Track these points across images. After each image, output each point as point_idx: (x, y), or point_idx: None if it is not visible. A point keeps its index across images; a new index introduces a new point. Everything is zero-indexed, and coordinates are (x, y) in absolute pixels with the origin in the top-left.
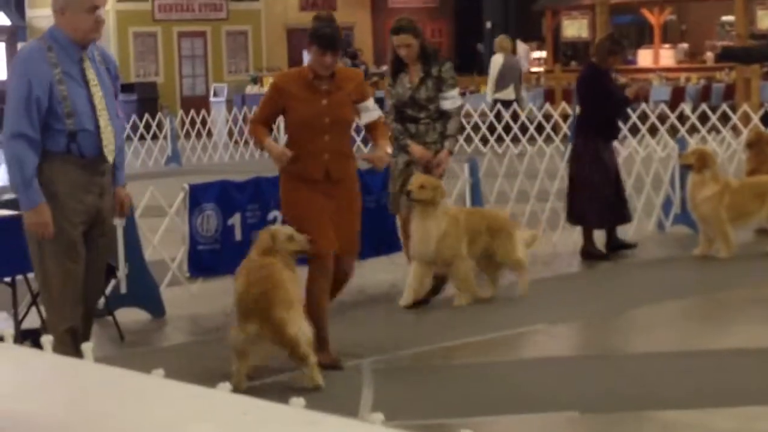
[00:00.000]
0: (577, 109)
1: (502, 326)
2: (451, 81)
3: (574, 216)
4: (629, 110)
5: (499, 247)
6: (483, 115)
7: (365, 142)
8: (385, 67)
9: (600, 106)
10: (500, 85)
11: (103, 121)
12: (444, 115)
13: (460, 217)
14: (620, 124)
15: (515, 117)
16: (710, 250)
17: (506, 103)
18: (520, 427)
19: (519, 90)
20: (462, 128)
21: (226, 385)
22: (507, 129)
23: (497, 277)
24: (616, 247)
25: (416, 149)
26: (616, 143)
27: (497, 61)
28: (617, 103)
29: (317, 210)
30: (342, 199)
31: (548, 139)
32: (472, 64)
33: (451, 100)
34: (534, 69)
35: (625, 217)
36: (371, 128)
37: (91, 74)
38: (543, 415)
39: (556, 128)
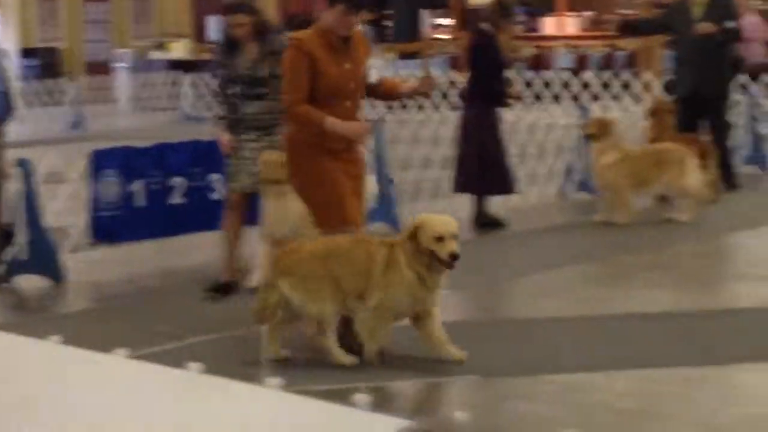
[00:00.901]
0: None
1: None
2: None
3: (463, 183)
4: (533, 77)
5: None
6: None
7: None
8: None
9: (488, 73)
10: None
11: (7, 83)
12: None
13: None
14: (524, 91)
15: None
16: (610, 217)
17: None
18: (421, 390)
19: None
20: None
21: (122, 351)
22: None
23: None
24: (486, 221)
25: (223, 138)
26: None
27: None
28: (500, 73)
29: (342, 183)
30: (359, 169)
31: (453, 107)
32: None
33: None
34: (440, 36)
35: (509, 187)
36: (383, 82)
37: None
38: (444, 379)
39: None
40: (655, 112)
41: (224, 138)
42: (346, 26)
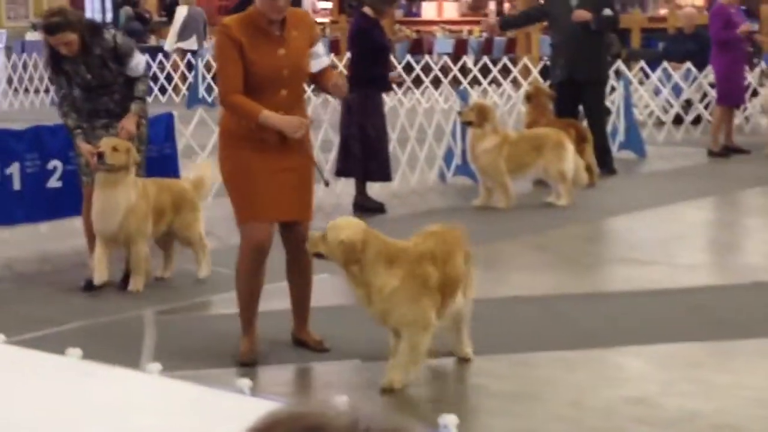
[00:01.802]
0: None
1: (283, 276)
2: (127, 50)
3: (345, 168)
4: (413, 62)
5: (182, 222)
6: None
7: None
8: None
9: (371, 57)
10: (183, 35)
11: None
12: (131, 81)
13: (150, 191)
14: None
15: None
16: (490, 201)
17: (187, 53)
18: (302, 376)
19: (201, 40)
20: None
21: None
22: None
23: (172, 256)
24: (367, 206)
25: (85, 148)
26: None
27: (181, 12)
28: (383, 58)
29: (262, 178)
30: (299, 162)
31: None
32: None
33: (135, 68)
34: (320, 20)
35: (388, 174)
36: (321, 75)
37: None
38: (324, 363)
39: None
40: (532, 97)
41: (85, 148)
42: (275, 9)
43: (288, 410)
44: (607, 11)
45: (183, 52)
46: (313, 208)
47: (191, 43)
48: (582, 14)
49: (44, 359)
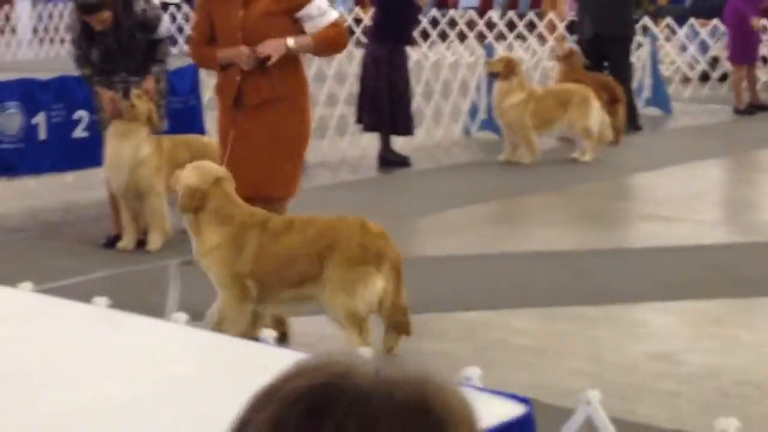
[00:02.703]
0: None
1: None
2: (155, 20)
3: (371, 122)
4: (438, 16)
5: None
6: None
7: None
8: None
9: (396, 11)
10: None
11: None
12: (154, 42)
13: (164, 146)
14: (429, 29)
15: None
16: (514, 156)
17: (168, 5)
18: (320, 328)
19: None
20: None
21: (27, 285)
22: None
23: None
24: (391, 159)
25: (104, 92)
26: (408, 49)
27: None
28: (410, 11)
29: (223, 140)
30: (259, 129)
31: (358, 43)
32: None
33: (160, 33)
34: None
35: (412, 128)
36: (315, 37)
37: None
38: None
39: (366, 32)
40: (566, 58)
41: (106, 95)
42: None
43: (314, 359)
44: None
45: (167, 6)
46: (291, 182)
47: None
48: None
49: (72, 308)
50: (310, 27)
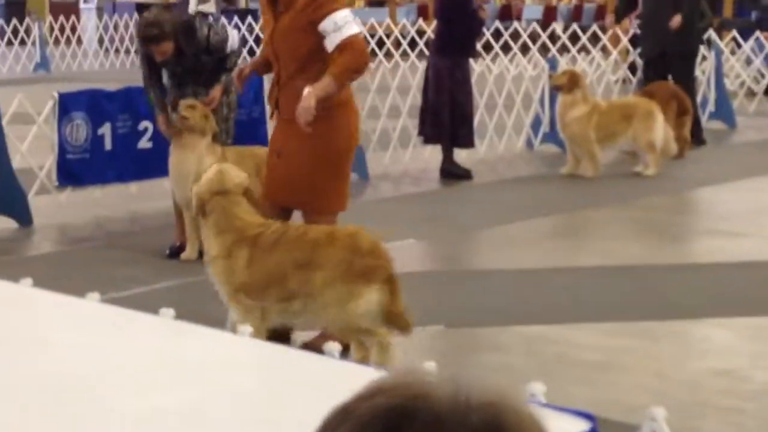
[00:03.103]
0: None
1: None
2: (220, 43)
3: (433, 135)
4: (501, 28)
5: None
6: None
7: None
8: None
9: (457, 24)
10: None
11: None
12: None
13: (228, 157)
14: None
15: (388, 32)
16: (577, 169)
17: (206, 15)
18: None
19: (219, 5)
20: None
21: (95, 295)
22: (380, 44)
23: None
24: (453, 172)
25: (159, 119)
26: (471, 61)
27: None
28: (473, 25)
29: (269, 150)
30: (296, 143)
31: (421, 55)
32: None
33: (228, 49)
34: None
35: (473, 141)
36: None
37: None
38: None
39: (429, 44)
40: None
41: (160, 119)
42: None
43: (392, 378)
44: None
45: (204, 15)
46: (334, 197)
47: (210, 6)
48: None
49: (139, 318)
50: (328, 43)
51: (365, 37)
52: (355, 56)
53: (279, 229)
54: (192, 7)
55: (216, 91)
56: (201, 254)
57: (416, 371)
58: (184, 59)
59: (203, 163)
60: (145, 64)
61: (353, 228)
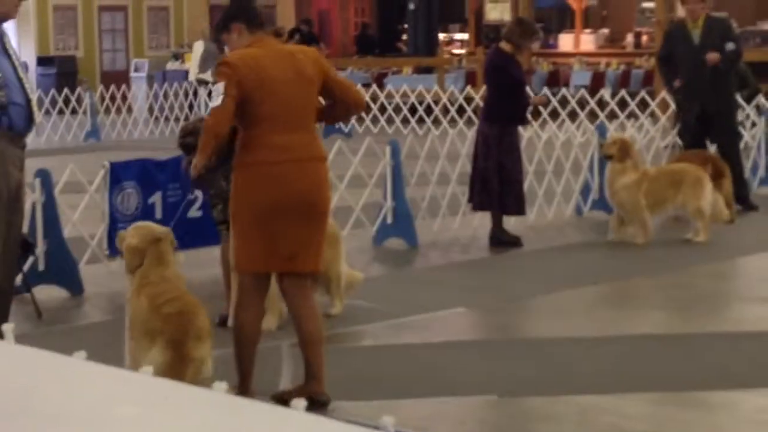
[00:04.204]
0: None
1: (420, 309)
2: None
3: (482, 202)
4: (550, 95)
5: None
6: (405, 95)
7: None
8: None
9: (505, 92)
10: (203, 67)
11: (29, 93)
12: None
13: None
14: (540, 108)
15: (437, 99)
16: (624, 236)
17: (206, 83)
18: (438, 409)
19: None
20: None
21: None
22: (428, 111)
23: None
24: (503, 240)
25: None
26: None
27: (198, 46)
28: (521, 93)
29: None
30: None
31: (469, 122)
32: (393, 45)
33: None
34: (456, 51)
35: (524, 208)
36: None
37: (10, 47)
38: (461, 398)
39: (477, 111)
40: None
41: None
42: None
43: None
44: (730, 45)
45: (205, 83)
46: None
47: (208, 75)
48: (713, 57)
49: (191, 392)
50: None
51: (219, 110)
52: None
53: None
54: (192, 76)
55: None
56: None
57: None
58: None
59: None
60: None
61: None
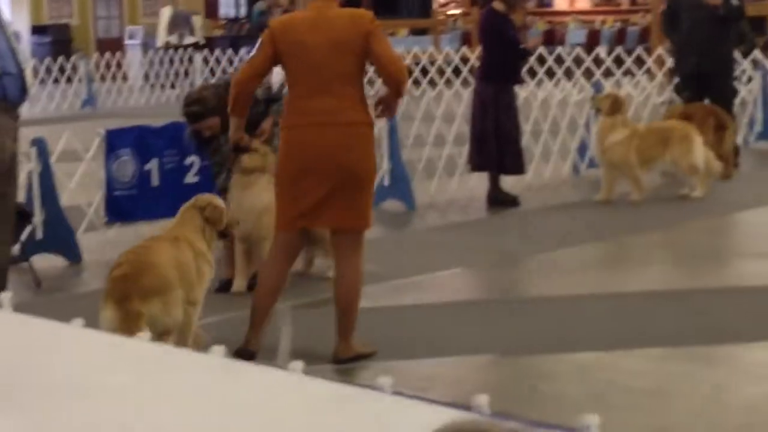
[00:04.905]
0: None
1: (419, 270)
2: (263, 93)
3: (480, 162)
4: (545, 53)
5: None
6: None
7: None
8: None
9: (500, 51)
10: (171, 31)
11: (22, 63)
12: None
13: None
14: (536, 67)
15: (432, 60)
16: (611, 195)
17: (175, 47)
18: (438, 370)
19: (183, 36)
20: None
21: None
22: (424, 72)
23: (313, 252)
24: (501, 199)
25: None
26: (516, 88)
27: (166, 11)
28: (515, 52)
29: None
30: None
31: (465, 83)
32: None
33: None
34: (451, 12)
35: (523, 167)
36: None
37: (1, 17)
38: (461, 357)
39: (473, 71)
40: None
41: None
42: None
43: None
44: (734, 1)
45: (174, 48)
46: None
47: (175, 38)
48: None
49: (189, 356)
50: None
51: (245, 63)
52: None
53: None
54: (160, 41)
55: (267, 123)
56: (251, 287)
57: (481, 420)
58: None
59: (263, 199)
60: (195, 141)
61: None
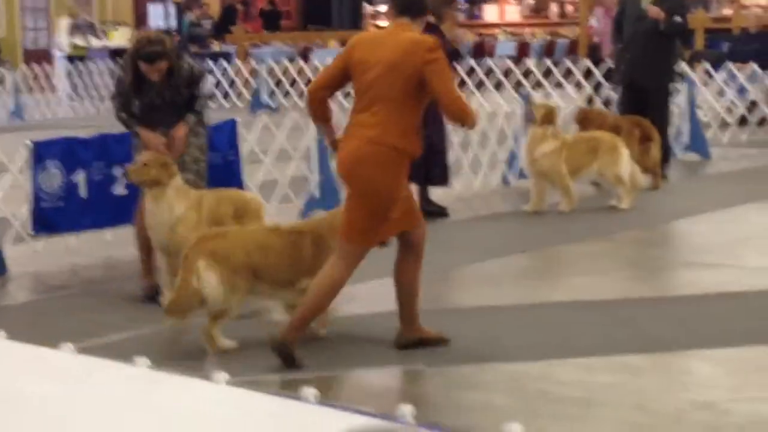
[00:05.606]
0: None
1: (348, 281)
2: (201, 76)
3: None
4: (475, 65)
5: None
6: None
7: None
8: None
9: None
10: (73, 35)
11: None
12: (194, 97)
13: (205, 201)
14: (465, 79)
15: None
16: (542, 206)
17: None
18: (365, 381)
19: (88, 38)
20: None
21: (69, 345)
22: None
23: None
24: (429, 210)
25: (148, 136)
26: None
27: (64, 21)
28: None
29: None
30: None
31: None
32: (322, 19)
33: (202, 89)
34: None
35: (448, 179)
36: None
37: None
38: (388, 368)
39: None
40: (580, 122)
41: (145, 136)
42: None
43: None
44: (678, 18)
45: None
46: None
47: (95, 41)
48: (656, 10)
49: (111, 368)
50: None
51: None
52: None
53: None
54: (67, 48)
55: (180, 130)
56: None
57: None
58: (168, 87)
59: (174, 210)
60: (130, 90)
61: None
